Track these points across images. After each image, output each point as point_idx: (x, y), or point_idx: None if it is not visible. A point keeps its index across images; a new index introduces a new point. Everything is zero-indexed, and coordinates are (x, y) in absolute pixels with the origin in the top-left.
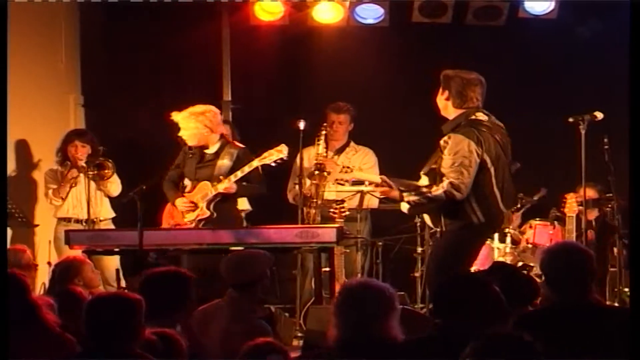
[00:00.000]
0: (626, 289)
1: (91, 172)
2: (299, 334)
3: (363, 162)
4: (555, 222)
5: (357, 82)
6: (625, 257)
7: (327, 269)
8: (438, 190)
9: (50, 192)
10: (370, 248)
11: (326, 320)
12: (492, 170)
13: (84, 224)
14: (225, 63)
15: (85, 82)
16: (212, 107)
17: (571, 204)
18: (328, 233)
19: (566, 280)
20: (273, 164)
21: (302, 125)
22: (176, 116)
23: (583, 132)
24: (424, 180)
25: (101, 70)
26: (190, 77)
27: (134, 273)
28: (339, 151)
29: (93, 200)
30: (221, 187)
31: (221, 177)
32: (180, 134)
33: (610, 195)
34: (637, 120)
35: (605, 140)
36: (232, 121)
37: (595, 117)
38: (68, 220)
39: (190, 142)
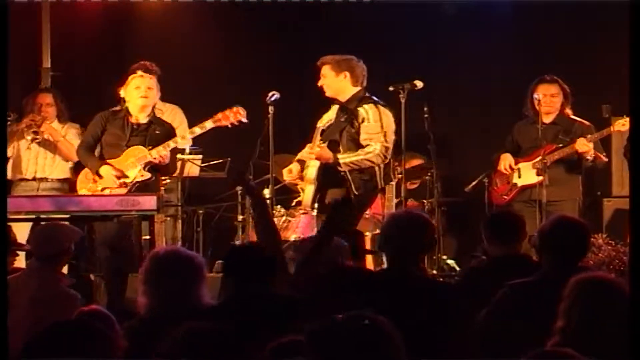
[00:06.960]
0: (444, 257)
1: None
2: None
3: (172, 120)
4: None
5: (182, 43)
6: (444, 225)
7: (148, 237)
8: (374, 152)
9: None
10: (190, 216)
11: None
12: None
13: None
14: (44, 29)
15: None
16: None
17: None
18: (149, 201)
19: (396, 247)
20: (230, 126)
21: (122, 93)
22: None
23: (403, 100)
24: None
25: None
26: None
27: None
28: None
29: None
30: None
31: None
32: None
33: (429, 163)
34: (637, 120)
35: (425, 109)
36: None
37: (415, 85)
38: None
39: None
